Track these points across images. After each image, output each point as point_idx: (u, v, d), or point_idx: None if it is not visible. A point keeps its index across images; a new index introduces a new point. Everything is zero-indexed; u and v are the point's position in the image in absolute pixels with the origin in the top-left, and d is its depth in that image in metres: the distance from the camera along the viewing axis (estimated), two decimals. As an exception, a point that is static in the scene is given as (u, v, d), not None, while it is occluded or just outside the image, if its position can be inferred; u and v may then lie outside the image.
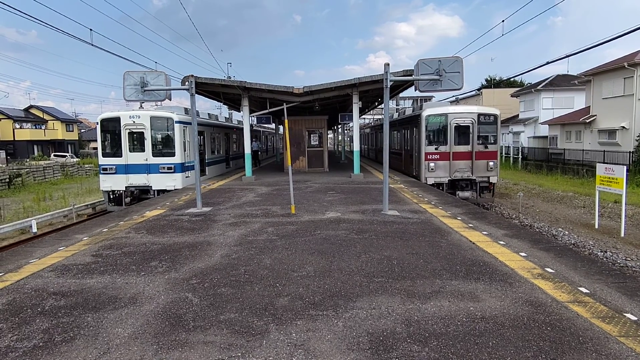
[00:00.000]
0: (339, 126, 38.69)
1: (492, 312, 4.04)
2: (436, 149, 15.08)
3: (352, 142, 20.34)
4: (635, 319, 3.86)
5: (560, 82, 38.53)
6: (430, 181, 15.00)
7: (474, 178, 15.13)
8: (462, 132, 15.10)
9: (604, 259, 10.49)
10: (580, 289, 4.60)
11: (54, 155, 49.53)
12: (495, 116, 15.24)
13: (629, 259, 10.62)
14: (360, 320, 3.93)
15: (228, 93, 17.57)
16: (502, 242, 6.61)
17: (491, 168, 15.12)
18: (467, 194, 15.00)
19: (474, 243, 6.59)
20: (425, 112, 15.21)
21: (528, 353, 3.30)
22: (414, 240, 6.83)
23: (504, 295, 4.48)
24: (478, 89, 49.86)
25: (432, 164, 15.07)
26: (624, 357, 3.23)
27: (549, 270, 5.24)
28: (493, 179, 15.28)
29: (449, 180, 15.11)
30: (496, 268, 5.36)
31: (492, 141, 15.22)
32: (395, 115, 23.39)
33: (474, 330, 3.68)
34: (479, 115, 15.07)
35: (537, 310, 4.07)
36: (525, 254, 5.94)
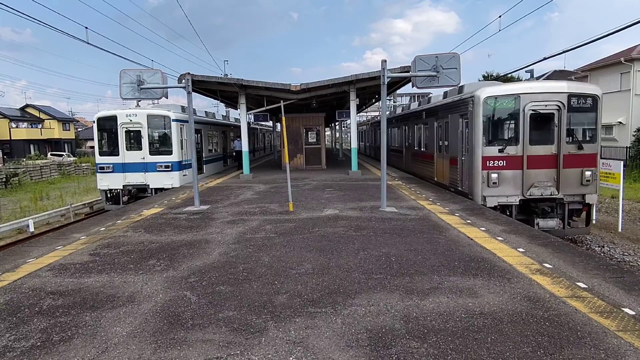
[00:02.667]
0: (337, 123, 38.65)
1: (490, 308, 4.05)
2: (501, 150, 9.85)
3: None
4: (633, 313, 3.87)
5: (558, 78, 38.58)
6: (492, 202, 9.88)
7: (561, 197, 9.88)
8: (542, 125, 9.91)
9: (602, 254, 10.53)
10: (579, 284, 4.62)
11: (51, 155, 49.37)
12: (594, 98, 9.85)
13: (626, 254, 10.67)
14: (359, 317, 3.93)
15: (225, 91, 17.52)
16: (500, 238, 6.62)
17: (588, 180, 9.86)
18: (551, 223, 9.85)
19: (472, 239, 6.60)
20: (483, 94, 9.98)
21: (527, 348, 3.31)
22: (412, 236, 6.84)
23: (502, 291, 4.49)
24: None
25: (494, 175, 9.81)
26: (622, 351, 3.24)
27: (547, 265, 5.25)
28: (590, 198, 10.01)
29: (520, 200, 9.93)
30: (494, 264, 5.37)
31: (589, 138, 10.04)
32: (414, 106, 18.16)
33: (473, 326, 3.69)
34: (570, 96, 9.75)
35: (536, 306, 4.08)
36: (523, 250, 5.95)
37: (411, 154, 17.45)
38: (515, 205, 10.02)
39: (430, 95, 15.71)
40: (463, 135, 11.13)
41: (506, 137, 10.19)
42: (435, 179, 13.82)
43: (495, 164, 9.95)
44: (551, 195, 9.86)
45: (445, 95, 13.31)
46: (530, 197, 9.85)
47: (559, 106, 9.76)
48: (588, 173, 9.85)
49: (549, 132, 9.91)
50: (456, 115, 11.58)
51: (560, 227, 10.04)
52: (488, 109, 10.00)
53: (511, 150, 9.88)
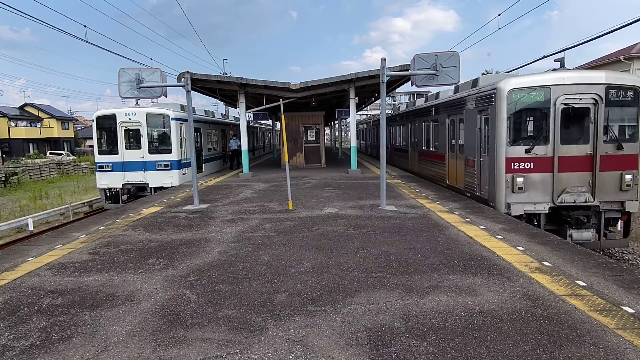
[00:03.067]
0: (336, 122, 38.59)
1: (490, 306, 4.05)
2: (528, 151, 8.78)
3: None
4: (633, 311, 3.87)
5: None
6: (517, 210, 8.82)
7: (597, 204, 8.84)
8: (575, 121, 8.88)
9: (601, 252, 10.55)
10: (578, 282, 4.62)
11: (50, 153, 49.27)
12: (636, 91, 8.75)
13: (625, 252, 10.68)
14: (359, 315, 3.93)
15: (224, 89, 17.49)
16: (499, 236, 6.62)
17: (628, 185, 8.79)
18: (587, 234, 8.80)
19: (471, 237, 6.60)
20: (507, 85, 8.85)
21: (526, 346, 3.31)
22: (411, 235, 6.84)
23: (501, 289, 4.49)
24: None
25: (519, 179, 8.78)
26: (622, 349, 3.24)
27: (547, 264, 5.26)
28: (631, 206, 8.93)
29: (550, 208, 8.88)
30: (494, 262, 5.37)
31: (629, 136, 8.98)
32: (420, 102, 17.06)
33: (472, 325, 3.69)
34: (609, 88, 8.61)
35: (535, 304, 4.08)
36: (522, 248, 5.95)
37: (418, 153, 16.37)
38: (544, 214, 8.91)
39: (438, 91, 14.55)
40: (482, 133, 10.04)
41: (534, 136, 8.99)
42: (447, 182, 12.58)
43: (521, 167, 8.83)
44: (585, 202, 8.72)
45: (457, 89, 12.26)
46: (562, 204, 8.78)
47: (595, 100, 8.57)
48: (628, 177, 8.71)
49: (583, 130, 8.85)
50: (473, 111, 10.45)
51: (596, 239, 8.93)
52: (513, 103, 8.82)
53: (540, 150, 8.76)
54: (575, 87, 8.66)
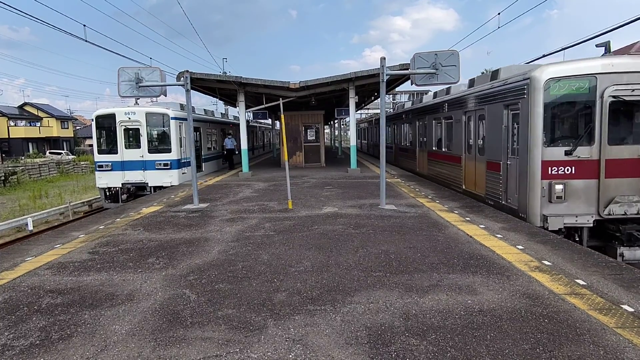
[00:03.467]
0: (336, 121, 38.57)
1: (489, 305, 4.05)
2: (568, 153, 7.53)
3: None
4: (632, 310, 3.88)
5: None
6: (556, 223, 7.55)
7: None
8: (627, 117, 7.60)
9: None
10: (577, 281, 4.62)
11: (49, 153, 49.25)
12: None
13: (625, 250, 10.66)
14: (359, 314, 3.93)
15: (224, 89, 17.48)
16: (499, 236, 6.62)
17: None
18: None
19: (471, 236, 6.60)
20: (544, 74, 7.56)
21: (526, 345, 3.31)
22: (411, 234, 6.84)
23: (501, 288, 4.49)
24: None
25: (558, 186, 7.54)
26: (621, 348, 3.24)
27: (546, 262, 5.26)
28: None
29: (595, 221, 7.61)
30: (493, 261, 5.37)
31: None
32: (427, 98, 15.77)
33: (472, 323, 3.69)
34: None
35: (535, 303, 4.08)
36: (522, 247, 5.96)
37: (427, 154, 15.14)
38: (587, 228, 7.67)
39: (449, 86, 13.06)
40: (508, 131, 8.72)
41: (576, 135, 7.65)
42: (464, 187, 11.29)
43: (560, 172, 7.57)
44: (638, 214, 7.45)
45: (472, 83, 11.18)
46: (609, 216, 7.47)
47: None
48: None
49: (636, 128, 7.56)
50: (497, 106, 9.13)
51: None
52: (551, 96, 7.51)
53: (583, 152, 7.45)
54: (627, 75, 7.24)
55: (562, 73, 7.50)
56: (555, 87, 7.51)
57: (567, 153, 7.53)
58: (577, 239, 7.66)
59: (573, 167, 7.55)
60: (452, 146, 12.40)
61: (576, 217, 7.59)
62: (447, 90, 13.30)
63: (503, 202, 8.89)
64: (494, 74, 9.81)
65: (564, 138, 7.74)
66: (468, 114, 11.09)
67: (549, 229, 7.45)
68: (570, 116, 7.89)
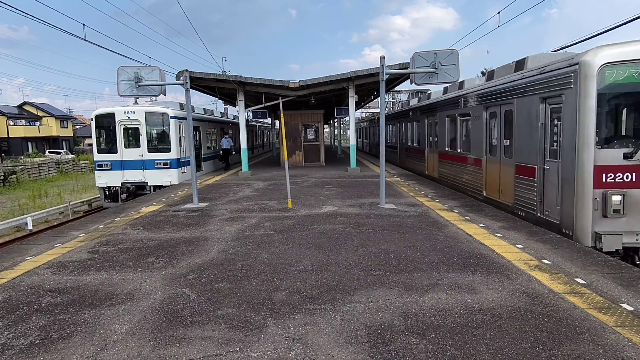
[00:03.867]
0: (335, 120, 38.55)
1: (489, 304, 4.06)
2: (629, 156, 6.17)
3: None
4: (632, 309, 3.88)
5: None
6: (612, 243, 6.23)
7: None
8: None
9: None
10: (577, 280, 4.62)
11: (49, 152, 49.24)
12: None
13: (624, 249, 10.67)
14: (358, 313, 3.93)
15: (223, 88, 17.48)
16: (498, 235, 6.62)
17: None
18: None
19: (470, 235, 6.60)
20: (597, 58, 6.19)
21: (525, 344, 3.31)
22: (410, 233, 6.84)
23: (501, 287, 4.49)
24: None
25: (616, 197, 6.22)
26: (621, 347, 3.25)
27: (546, 261, 5.26)
28: None
29: None
30: (493, 260, 5.38)
31: None
32: (436, 94, 14.64)
33: (472, 322, 3.69)
34: None
35: (534, 302, 4.09)
36: (522, 246, 5.96)
37: (438, 156, 13.81)
38: None
39: (462, 80, 11.75)
40: (546, 130, 7.43)
41: (638, 134, 6.40)
42: (485, 194, 9.95)
43: (617, 179, 6.23)
44: None
45: (492, 76, 10.01)
46: None
47: None
48: None
49: None
50: (531, 100, 7.78)
51: None
52: (607, 85, 6.13)
53: None
54: None
55: (621, 57, 6.08)
56: (612, 75, 6.11)
57: (626, 156, 6.18)
58: (638, 262, 6.39)
59: (634, 174, 6.22)
60: (469, 146, 11.03)
61: (637, 235, 6.30)
62: (460, 85, 12.15)
63: (538, 215, 7.60)
64: (519, 64, 8.68)
65: (623, 138, 6.43)
66: (491, 109, 9.69)
67: (604, 250, 6.11)
68: (631, 111, 6.56)
